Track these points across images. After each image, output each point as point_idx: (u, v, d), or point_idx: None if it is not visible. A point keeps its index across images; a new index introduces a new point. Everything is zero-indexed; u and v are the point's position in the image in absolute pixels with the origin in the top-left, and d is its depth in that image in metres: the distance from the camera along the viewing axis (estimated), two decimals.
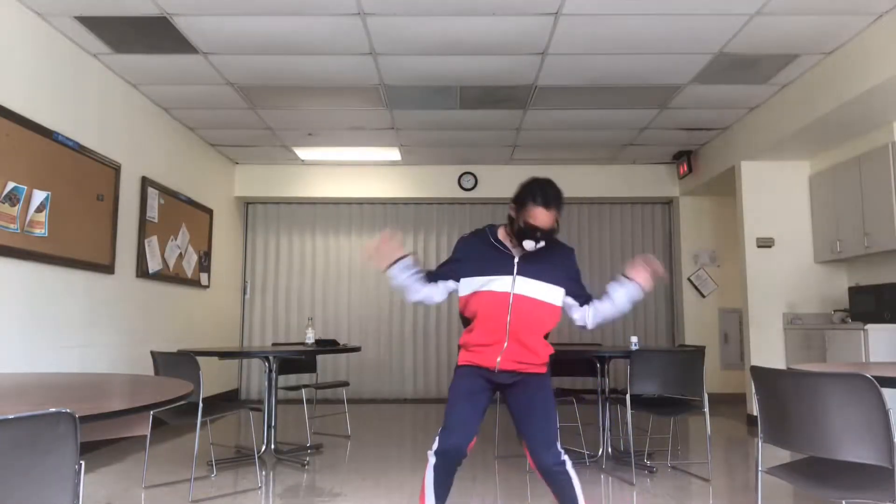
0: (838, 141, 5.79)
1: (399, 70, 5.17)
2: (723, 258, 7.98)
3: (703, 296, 7.95)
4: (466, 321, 2.76)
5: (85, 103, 4.86)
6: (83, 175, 4.77)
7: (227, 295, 7.86)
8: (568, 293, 2.73)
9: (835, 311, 5.99)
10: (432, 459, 2.55)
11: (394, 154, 7.60)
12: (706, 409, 3.93)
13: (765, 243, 6.37)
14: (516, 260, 2.66)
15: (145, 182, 5.71)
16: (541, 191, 2.60)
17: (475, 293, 2.66)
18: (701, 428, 5.91)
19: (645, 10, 4.20)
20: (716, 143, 7.02)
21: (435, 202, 8.46)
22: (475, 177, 8.12)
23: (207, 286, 7.15)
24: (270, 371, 4.69)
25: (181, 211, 6.47)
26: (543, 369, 2.70)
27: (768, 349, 6.30)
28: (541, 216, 2.57)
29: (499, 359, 2.61)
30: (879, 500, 1.93)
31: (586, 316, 2.74)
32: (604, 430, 4.53)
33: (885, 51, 4.30)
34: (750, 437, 5.66)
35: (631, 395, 4.00)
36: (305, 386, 5.47)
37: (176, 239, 6.34)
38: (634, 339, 4.51)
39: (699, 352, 4.04)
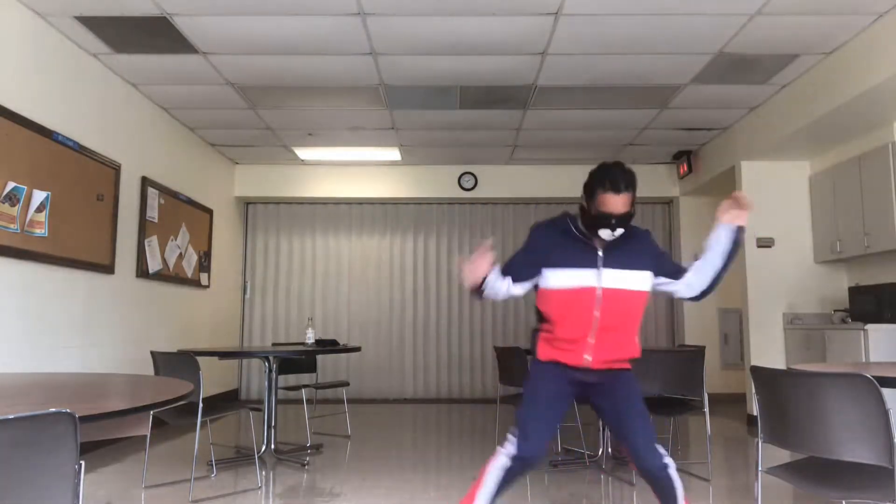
0: (838, 141, 5.79)
1: (399, 70, 5.17)
2: None
3: None
4: (541, 315, 2.58)
5: (85, 103, 4.86)
6: (83, 175, 4.77)
7: (227, 295, 7.86)
8: (659, 273, 2.56)
9: (835, 311, 5.99)
10: (506, 462, 2.41)
11: (394, 154, 7.60)
12: (706, 409, 3.93)
13: (765, 243, 6.37)
14: (600, 252, 2.48)
15: (145, 182, 5.71)
16: (609, 175, 2.41)
17: (558, 290, 2.49)
18: (701, 428, 5.91)
19: (645, 10, 4.20)
20: (716, 142, 7.03)
21: (435, 202, 8.46)
22: (475, 177, 8.12)
23: (207, 286, 7.15)
24: (270, 371, 4.69)
25: (181, 211, 6.47)
26: (629, 364, 2.55)
27: (768, 349, 6.29)
28: (612, 202, 2.39)
29: (588, 356, 2.45)
30: (879, 500, 1.93)
31: (688, 285, 2.56)
32: (604, 430, 4.53)
33: (886, 51, 4.30)
34: (750, 437, 5.66)
35: None
36: (305, 386, 5.47)
37: (176, 239, 6.34)
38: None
39: (699, 352, 4.03)
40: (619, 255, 2.50)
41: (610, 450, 4.56)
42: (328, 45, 4.70)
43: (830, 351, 5.41)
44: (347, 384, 6.07)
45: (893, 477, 1.87)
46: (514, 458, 2.41)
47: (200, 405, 3.59)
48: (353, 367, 8.27)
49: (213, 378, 7.40)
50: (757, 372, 2.25)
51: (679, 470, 4.31)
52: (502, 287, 2.51)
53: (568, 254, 2.51)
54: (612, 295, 2.46)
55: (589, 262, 2.49)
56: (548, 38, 4.60)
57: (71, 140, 4.62)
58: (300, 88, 5.58)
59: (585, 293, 2.45)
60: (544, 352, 2.55)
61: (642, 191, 8.09)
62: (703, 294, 2.57)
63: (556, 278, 2.49)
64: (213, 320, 7.42)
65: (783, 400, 2.15)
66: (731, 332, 7.92)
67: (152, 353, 3.86)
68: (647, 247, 2.58)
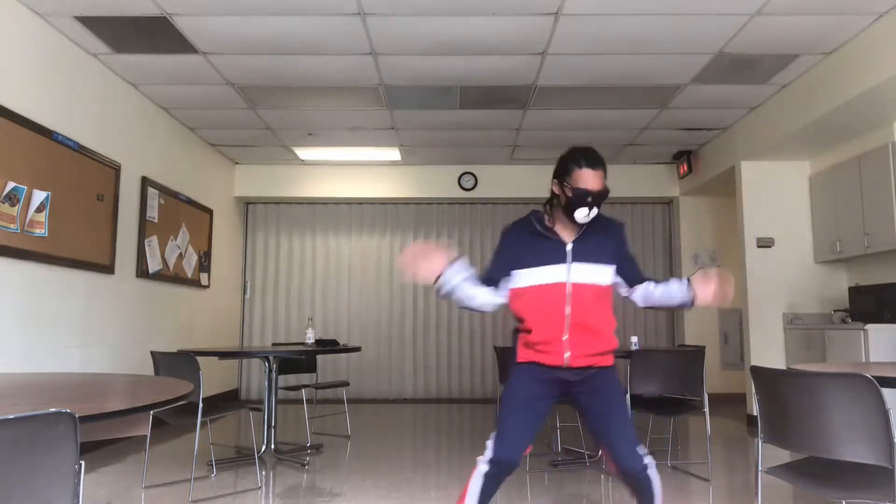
0: (838, 141, 5.79)
1: (399, 70, 5.17)
2: (723, 258, 7.98)
3: None
4: (518, 317, 2.56)
5: (85, 103, 4.86)
6: (83, 175, 4.77)
7: (227, 295, 7.86)
8: (618, 272, 2.56)
9: (835, 311, 5.99)
10: (483, 468, 2.39)
11: (394, 154, 7.60)
12: (706, 409, 3.93)
13: (765, 243, 6.37)
14: (569, 247, 2.48)
15: (145, 182, 5.71)
16: (583, 153, 2.45)
17: (528, 287, 2.48)
18: (701, 428, 5.91)
19: (645, 10, 4.20)
20: (716, 142, 7.02)
21: (435, 202, 8.46)
22: (475, 177, 8.12)
23: (207, 286, 7.15)
24: (270, 371, 4.69)
25: (181, 211, 6.47)
26: (612, 360, 2.53)
27: (768, 349, 6.30)
28: (589, 178, 2.41)
29: (567, 354, 2.42)
30: (879, 499, 1.93)
31: (635, 293, 2.59)
32: None
33: (885, 51, 4.29)
34: (750, 437, 5.66)
35: (631, 395, 3.99)
36: (305, 386, 5.47)
37: (176, 239, 6.34)
38: (635, 338, 4.52)
39: (699, 352, 4.03)
40: (588, 249, 2.49)
41: None
42: (328, 45, 4.70)
43: (830, 351, 5.41)
44: (347, 384, 6.07)
45: (894, 477, 1.87)
46: (492, 462, 2.39)
47: (200, 405, 3.59)
48: (353, 367, 8.27)
49: (214, 378, 7.40)
50: (757, 372, 2.25)
51: (679, 470, 4.32)
52: (476, 294, 2.44)
53: (537, 252, 2.49)
54: (581, 290, 2.45)
55: (558, 257, 2.48)
56: (548, 38, 4.60)
57: (71, 140, 4.62)
58: (300, 88, 5.58)
59: (556, 289, 2.44)
60: (524, 354, 2.52)
61: (643, 190, 8.10)
62: (636, 304, 2.63)
63: (528, 277, 2.48)
64: (214, 320, 7.42)
65: (783, 400, 2.15)
66: (731, 332, 7.92)
67: (152, 353, 3.86)
68: (616, 242, 2.58)
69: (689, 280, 2.50)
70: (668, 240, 8.42)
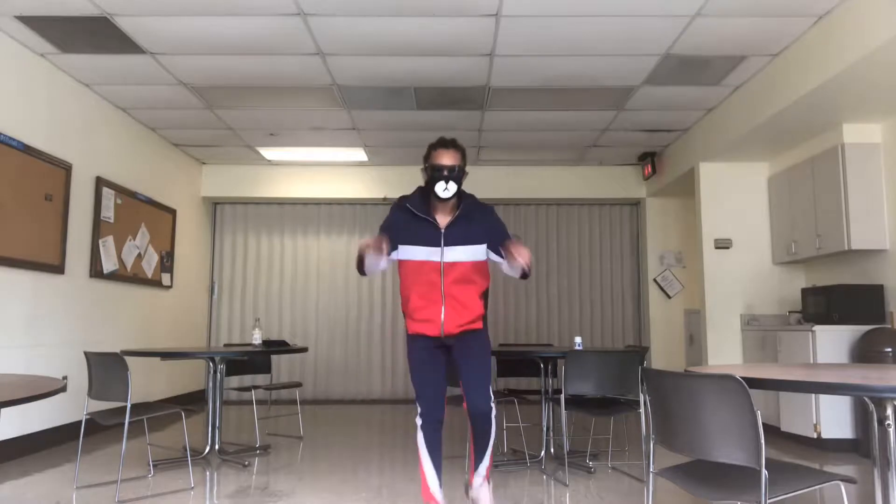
0: (793, 142, 5.80)
1: (349, 70, 5.16)
2: (688, 259, 7.99)
3: (669, 297, 7.96)
4: (402, 289, 3.03)
5: (32, 103, 4.84)
6: (29, 175, 4.75)
7: (192, 295, 7.83)
8: (492, 249, 2.97)
9: (790, 312, 6.00)
10: (418, 421, 2.92)
11: (359, 154, 7.60)
12: (641, 410, 3.93)
13: (722, 244, 6.38)
14: (443, 231, 2.90)
15: (100, 182, 5.69)
16: (440, 139, 2.95)
17: (409, 261, 2.93)
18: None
19: (586, 12, 4.20)
20: (677, 144, 7.03)
21: None
22: None
23: (170, 286, 7.13)
24: (215, 372, 4.69)
25: (140, 211, 6.46)
26: (480, 324, 2.99)
27: (726, 350, 6.31)
28: (442, 155, 2.86)
29: (442, 328, 2.91)
30: (751, 501, 1.93)
31: (510, 268, 2.98)
32: (547, 430, 4.53)
33: (825, 52, 4.30)
34: None
35: (572, 396, 3.99)
36: (256, 387, 5.46)
37: (134, 239, 6.33)
38: (578, 339, 4.51)
39: (635, 353, 4.04)
40: (459, 232, 2.90)
41: (553, 450, 4.55)
42: (275, 45, 4.69)
43: (782, 352, 5.42)
44: (300, 385, 6.06)
45: (761, 478, 1.87)
46: (421, 416, 2.91)
47: (129, 406, 3.57)
48: (321, 367, 8.26)
49: (183, 377, 7.39)
50: (646, 373, 2.26)
51: (618, 471, 4.32)
52: (380, 263, 2.90)
53: (415, 232, 2.91)
54: (452, 268, 2.89)
55: (433, 240, 2.89)
56: (492, 40, 4.60)
57: (15, 140, 4.61)
58: (254, 88, 5.57)
59: (431, 266, 2.89)
60: (411, 327, 2.99)
61: (610, 191, 8.10)
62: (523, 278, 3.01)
63: (407, 252, 2.93)
64: (178, 321, 7.40)
65: (667, 401, 2.15)
66: (696, 333, 7.92)
67: (86, 353, 3.85)
68: (486, 223, 2.98)
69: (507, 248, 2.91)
70: (635, 241, 8.42)
